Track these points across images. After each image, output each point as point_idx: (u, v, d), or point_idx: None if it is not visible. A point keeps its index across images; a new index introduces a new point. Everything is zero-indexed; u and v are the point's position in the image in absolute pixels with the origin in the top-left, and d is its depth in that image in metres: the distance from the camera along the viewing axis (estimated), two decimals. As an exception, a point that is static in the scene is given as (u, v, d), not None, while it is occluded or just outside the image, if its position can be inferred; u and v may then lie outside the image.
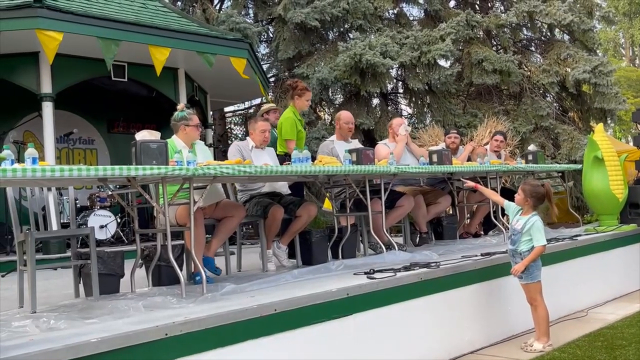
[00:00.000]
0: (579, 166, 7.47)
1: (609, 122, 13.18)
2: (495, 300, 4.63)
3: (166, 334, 2.69)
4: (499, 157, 7.01)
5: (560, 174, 8.32)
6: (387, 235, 5.21)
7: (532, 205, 4.25)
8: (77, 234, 4.34)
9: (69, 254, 5.38)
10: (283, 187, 5.24)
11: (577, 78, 11.75)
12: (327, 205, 5.97)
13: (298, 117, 5.63)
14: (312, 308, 3.32)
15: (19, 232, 3.78)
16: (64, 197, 8.02)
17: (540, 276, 4.25)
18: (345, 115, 5.82)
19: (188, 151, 4.30)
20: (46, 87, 7.56)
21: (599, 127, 6.89)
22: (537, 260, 4.22)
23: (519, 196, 4.29)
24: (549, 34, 13.80)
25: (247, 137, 5.13)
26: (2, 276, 5.84)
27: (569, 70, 12.18)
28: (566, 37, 13.73)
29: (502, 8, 14.51)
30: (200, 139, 4.63)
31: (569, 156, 11.51)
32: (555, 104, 13.39)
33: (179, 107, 4.47)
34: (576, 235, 6.05)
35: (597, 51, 13.72)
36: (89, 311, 3.30)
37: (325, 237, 5.03)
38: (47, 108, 7.56)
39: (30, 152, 3.17)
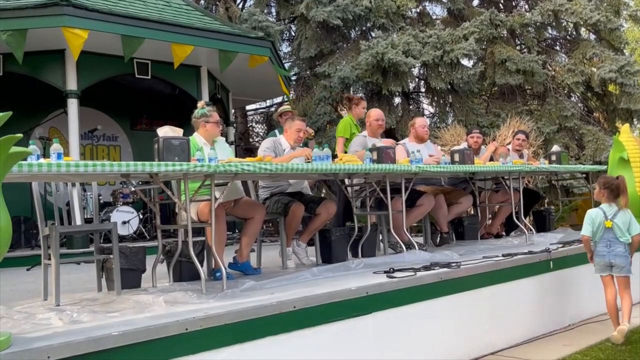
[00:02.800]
0: (603, 167, 7.35)
1: (635, 122, 12.95)
2: (516, 302, 4.59)
3: (186, 329, 2.71)
4: (521, 156, 6.93)
5: (584, 175, 8.20)
6: (408, 234, 5.19)
7: (607, 197, 4.42)
8: (100, 229, 4.39)
9: (92, 248, 5.45)
10: (306, 190, 5.25)
11: (603, 78, 11.58)
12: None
13: (354, 123, 6.17)
14: (331, 306, 3.32)
15: (44, 227, 3.83)
16: (88, 193, 8.13)
17: (600, 271, 4.46)
18: (375, 112, 5.86)
19: (210, 148, 4.32)
20: (71, 84, 7.67)
21: (625, 128, 6.75)
22: (594, 253, 4.46)
23: (596, 189, 4.53)
24: (574, 33, 13.61)
25: (280, 135, 5.11)
26: (27, 269, 5.94)
27: (594, 69, 12.00)
28: (592, 37, 13.53)
29: (526, 7, 14.34)
30: (221, 137, 4.65)
31: (594, 157, 11.34)
32: (580, 104, 13.21)
33: (199, 104, 4.50)
34: (600, 237, 5.95)
35: (624, 51, 13.48)
36: (111, 305, 3.35)
37: (345, 236, 5.02)
38: (72, 105, 7.68)
39: (56, 147, 3.22)
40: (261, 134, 15.30)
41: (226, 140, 11.10)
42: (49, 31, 6.99)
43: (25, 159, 2.92)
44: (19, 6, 6.88)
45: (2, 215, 2.35)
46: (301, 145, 5.13)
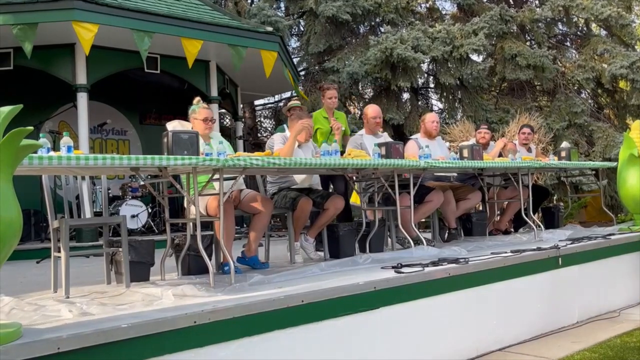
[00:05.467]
0: (613, 164, 7.30)
1: (646, 119, 12.85)
2: (524, 298, 4.57)
3: (195, 322, 2.72)
4: (528, 150, 6.91)
5: (594, 172, 8.16)
6: (416, 230, 5.18)
7: None
8: (109, 222, 4.41)
9: (101, 242, 5.48)
10: (317, 186, 5.24)
11: (614, 74, 11.49)
12: (354, 199, 5.97)
13: (324, 115, 5.86)
14: (339, 300, 3.32)
15: (54, 220, 3.86)
16: (97, 187, 8.18)
17: None
18: (372, 109, 5.82)
19: (205, 144, 4.29)
20: (81, 78, 7.71)
21: (635, 124, 6.70)
22: None
23: None
24: (585, 28, 13.51)
25: (287, 131, 5.10)
26: (37, 262, 5.99)
27: (605, 66, 11.91)
28: (603, 32, 13.42)
29: (536, 2, 14.25)
30: (229, 132, 4.64)
31: (604, 154, 11.26)
32: (590, 101, 13.12)
33: (195, 100, 4.48)
34: (610, 234, 5.92)
35: (635, 47, 13.37)
36: (120, 298, 3.37)
37: (352, 231, 5.02)
38: (82, 99, 7.72)
39: (66, 140, 3.23)
40: (269, 128, 15.33)
41: (234, 135, 11.09)
42: (59, 25, 7.02)
43: (35, 152, 2.94)
44: (30, 0, 6.91)
45: (13, 207, 2.36)
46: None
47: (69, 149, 3.19)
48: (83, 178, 5.75)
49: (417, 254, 4.68)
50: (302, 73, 13.34)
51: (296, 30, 14.30)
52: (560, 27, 13.69)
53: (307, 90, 12.69)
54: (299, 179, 5.07)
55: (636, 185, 6.29)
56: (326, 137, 5.72)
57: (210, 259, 3.85)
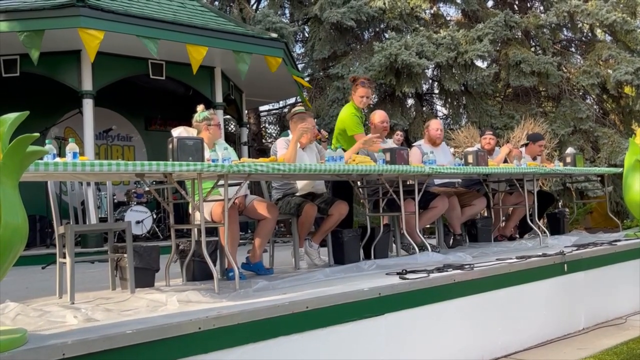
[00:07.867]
0: (619, 170, 7.27)
1: (651, 125, 12.83)
2: (530, 305, 4.55)
3: (199, 328, 2.72)
4: (534, 158, 6.90)
5: (599, 178, 8.13)
6: (420, 236, 5.17)
7: None
8: (114, 228, 4.42)
9: (106, 247, 5.49)
10: (321, 191, 5.24)
11: (619, 80, 11.47)
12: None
13: (359, 114, 5.52)
14: (343, 306, 3.31)
15: (59, 226, 3.87)
16: (102, 193, 8.20)
17: None
18: (378, 114, 5.81)
19: (210, 151, 4.30)
20: (87, 84, 7.75)
21: (641, 130, 6.69)
22: None
23: None
24: (590, 34, 13.50)
25: (290, 135, 5.09)
26: (43, 268, 6.00)
27: (610, 71, 11.89)
28: (608, 38, 13.41)
29: (541, 8, 14.25)
30: (233, 138, 4.65)
31: (609, 160, 11.23)
32: (595, 106, 13.10)
33: (199, 108, 4.48)
34: (615, 240, 5.89)
35: (641, 52, 13.36)
36: (125, 304, 3.37)
37: (357, 237, 5.01)
38: (88, 105, 7.76)
39: (71, 147, 3.24)
40: (274, 134, 15.36)
41: (239, 141, 11.10)
42: (65, 32, 7.07)
43: (41, 158, 2.95)
44: (36, 7, 6.96)
45: (19, 213, 2.37)
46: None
47: (74, 155, 3.20)
48: (88, 184, 5.76)
49: (422, 260, 4.67)
50: (307, 79, 13.37)
51: (301, 36, 14.36)
52: (565, 32, 13.69)
53: (311, 96, 12.72)
54: (301, 184, 5.06)
55: (642, 191, 6.26)
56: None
57: (214, 265, 3.85)
